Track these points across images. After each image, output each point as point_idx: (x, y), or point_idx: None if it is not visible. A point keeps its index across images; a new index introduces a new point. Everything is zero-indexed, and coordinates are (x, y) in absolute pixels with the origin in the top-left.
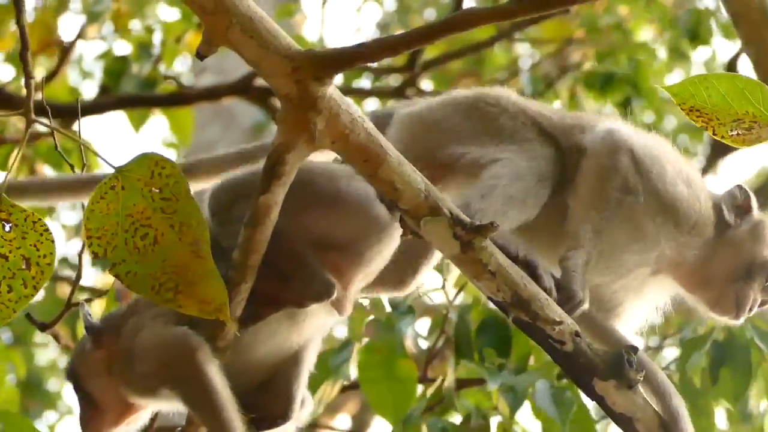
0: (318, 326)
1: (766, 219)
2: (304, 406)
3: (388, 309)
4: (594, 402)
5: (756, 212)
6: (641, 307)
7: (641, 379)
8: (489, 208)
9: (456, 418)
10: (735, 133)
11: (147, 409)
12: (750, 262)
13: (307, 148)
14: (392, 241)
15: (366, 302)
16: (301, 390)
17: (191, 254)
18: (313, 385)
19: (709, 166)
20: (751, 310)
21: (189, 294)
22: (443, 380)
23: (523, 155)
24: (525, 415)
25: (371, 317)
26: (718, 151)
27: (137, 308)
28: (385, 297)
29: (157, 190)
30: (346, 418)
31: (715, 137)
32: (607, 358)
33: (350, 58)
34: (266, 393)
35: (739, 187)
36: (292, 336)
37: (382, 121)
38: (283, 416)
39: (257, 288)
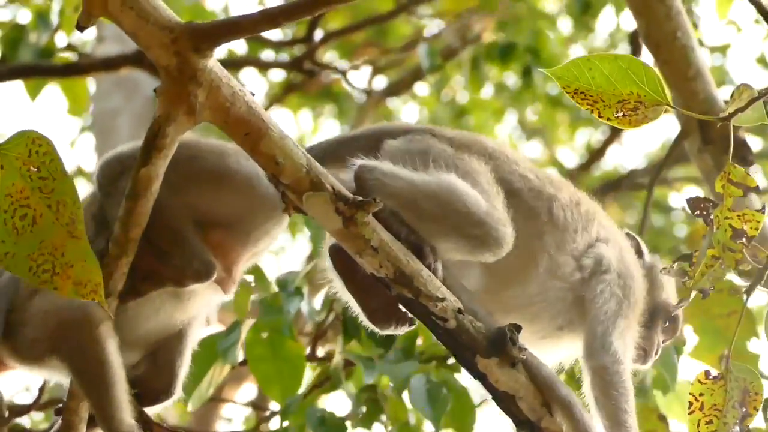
0: (203, 304)
1: (656, 261)
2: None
3: (275, 288)
4: (476, 380)
5: (646, 256)
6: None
7: (524, 357)
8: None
9: (342, 399)
10: (621, 114)
11: (13, 369)
12: (651, 308)
13: (187, 121)
14: (280, 220)
15: (251, 279)
16: (184, 367)
17: (67, 234)
18: (203, 368)
19: (613, 137)
20: (657, 353)
21: (65, 276)
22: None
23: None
24: None
25: (255, 296)
26: None
27: None
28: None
29: (35, 169)
30: (251, 387)
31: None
32: (490, 335)
33: (230, 30)
34: (149, 369)
35: (627, 234)
36: (176, 313)
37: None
38: (166, 392)
39: (138, 264)
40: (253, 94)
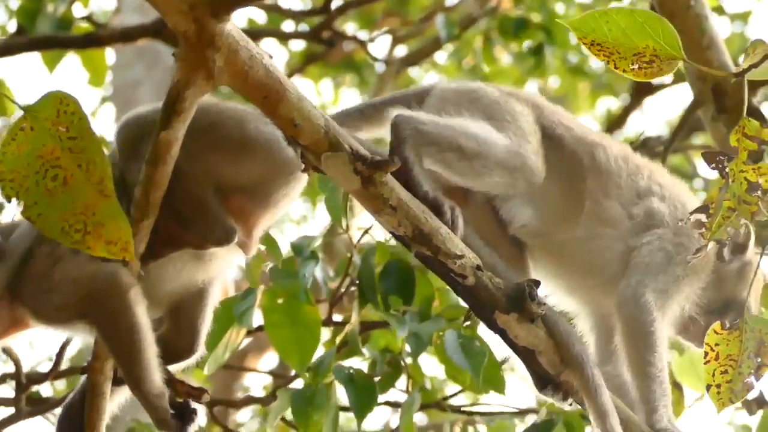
0: (224, 264)
1: (755, 260)
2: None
3: (289, 254)
4: (497, 335)
5: (750, 252)
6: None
7: (543, 312)
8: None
9: (362, 363)
10: (636, 66)
11: (35, 327)
12: (729, 299)
13: (206, 85)
14: (298, 183)
15: (263, 248)
16: (206, 325)
17: (98, 193)
18: (219, 333)
19: (633, 104)
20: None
21: (96, 235)
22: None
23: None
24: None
25: (269, 264)
26: (643, 90)
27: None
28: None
29: (64, 129)
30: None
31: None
32: (509, 291)
33: None
34: (172, 328)
35: (746, 225)
36: (198, 274)
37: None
38: (189, 350)
39: (159, 227)
40: (271, 57)
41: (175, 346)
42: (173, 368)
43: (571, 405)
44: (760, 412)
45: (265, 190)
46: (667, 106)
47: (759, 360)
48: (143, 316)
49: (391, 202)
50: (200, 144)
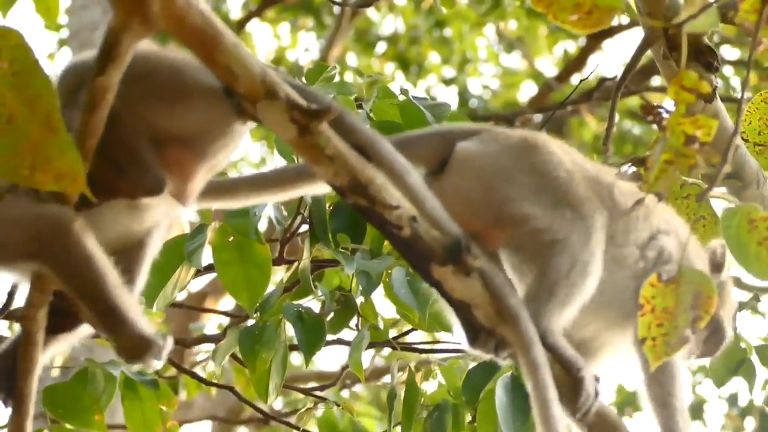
0: (161, 215)
1: (730, 281)
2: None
3: None
4: (432, 287)
5: (725, 272)
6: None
7: (479, 265)
8: (554, 308)
9: (317, 303)
10: (575, 17)
11: None
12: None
13: (142, 30)
14: (237, 133)
15: None
16: (142, 276)
17: (45, 128)
18: (167, 271)
19: (591, 47)
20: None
21: (45, 170)
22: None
23: (583, 233)
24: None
25: None
26: (600, 32)
27: None
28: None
29: (6, 65)
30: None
31: None
32: (445, 243)
33: None
34: None
35: (722, 246)
36: (134, 224)
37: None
38: None
39: (94, 175)
40: (207, 3)
41: None
42: None
43: (504, 359)
44: None
45: (202, 141)
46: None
47: (695, 313)
48: (95, 246)
49: (328, 151)
50: (136, 92)
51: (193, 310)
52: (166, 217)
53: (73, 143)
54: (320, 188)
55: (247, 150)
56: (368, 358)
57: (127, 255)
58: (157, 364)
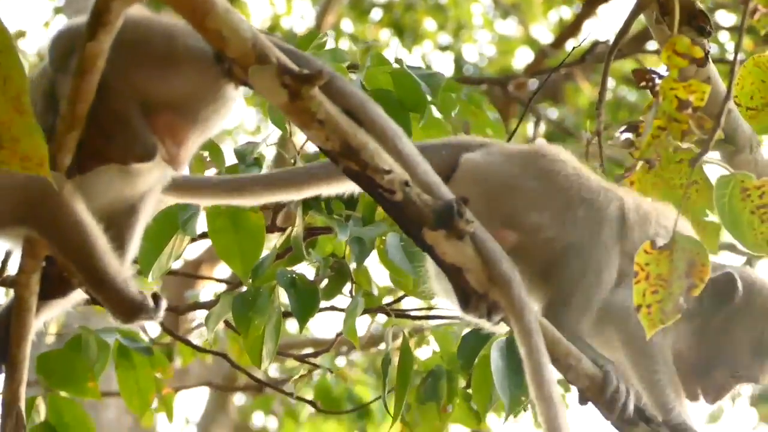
0: (154, 180)
1: None
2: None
3: (234, 161)
4: (424, 252)
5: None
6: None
7: (471, 230)
8: (573, 314)
9: (311, 270)
10: None
11: None
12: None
13: None
14: (229, 99)
15: (206, 153)
16: (134, 242)
17: (13, 110)
18: (162, 240)
19: (586, 12)
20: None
21: (12, 151)
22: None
23: (595, 228)
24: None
25: (213, 170)
26: None
27: None
28: (224, 140)
29: None
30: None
31: None
32: (437, 207)
33: None
34: None
35: (726, 274)
36: (126, 189)
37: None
38: None
39: (85, 140)
40: None
41: None
42: None
43: (496, 324)
44: None
45: (193, 107)
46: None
47: (690, 280)
48: (84, 211)
49: (319, 116)
50: (127, 58)
51: (188, 278)
52: (158, 183)
53: (40, 128)
54: (334, 189)
55: (242, 118)
56: (365, 326)
57: (119, 220)
58: (153, 325)
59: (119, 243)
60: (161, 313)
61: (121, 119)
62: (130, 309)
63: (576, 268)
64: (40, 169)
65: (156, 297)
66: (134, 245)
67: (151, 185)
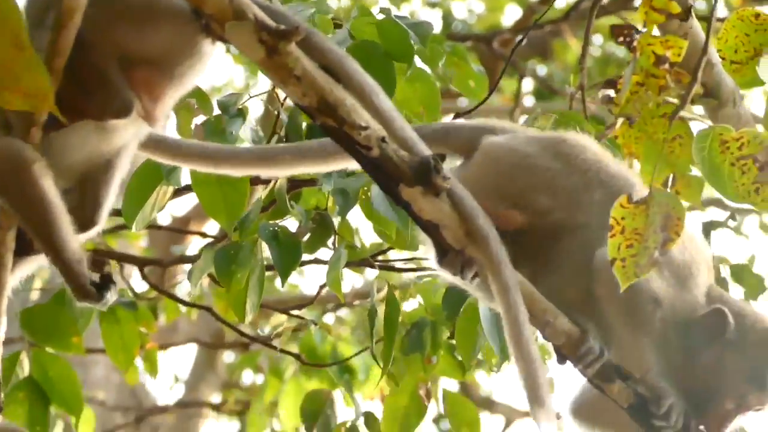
0: (130, 135)
1: None
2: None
3: (216, 111)
4: (401, 208)
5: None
6: None
7: (448, 186)
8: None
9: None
10: None
11: None
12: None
13: None
14: (206, 55)
15: (193, 101)
16: (110, 198)
17: (12, 48)
18: (146, 191)
19: None
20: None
21: (14, 89)
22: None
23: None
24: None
25: (200, 117)
26: None
27: None
28: (213, 98)
29: None
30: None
31: None
32: (414, 164)
33: None
34: (76, 200)
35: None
36: (102, 145)
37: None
38: (90, 223)
39: (62, 95)
40: None
41: (77, 218)
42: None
43: (471, 280)
44: None
45: (170, 62)
46: None
47: (665, 234)
48: (51, 187)
49: (296, 72)
50: (104, 13)
51: (176, 233)
52: (134, 139)
53: (41, 61)
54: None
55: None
56: (351, 281)
57: (95, 176)
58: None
59: (93, 200)
60: (108, 300)
61: (99, 75)
62: (79, 290)
63: (585, 249)
64: (45, 104)
65: (108, 279)
66: (110, 200)
67: (126, 141)
